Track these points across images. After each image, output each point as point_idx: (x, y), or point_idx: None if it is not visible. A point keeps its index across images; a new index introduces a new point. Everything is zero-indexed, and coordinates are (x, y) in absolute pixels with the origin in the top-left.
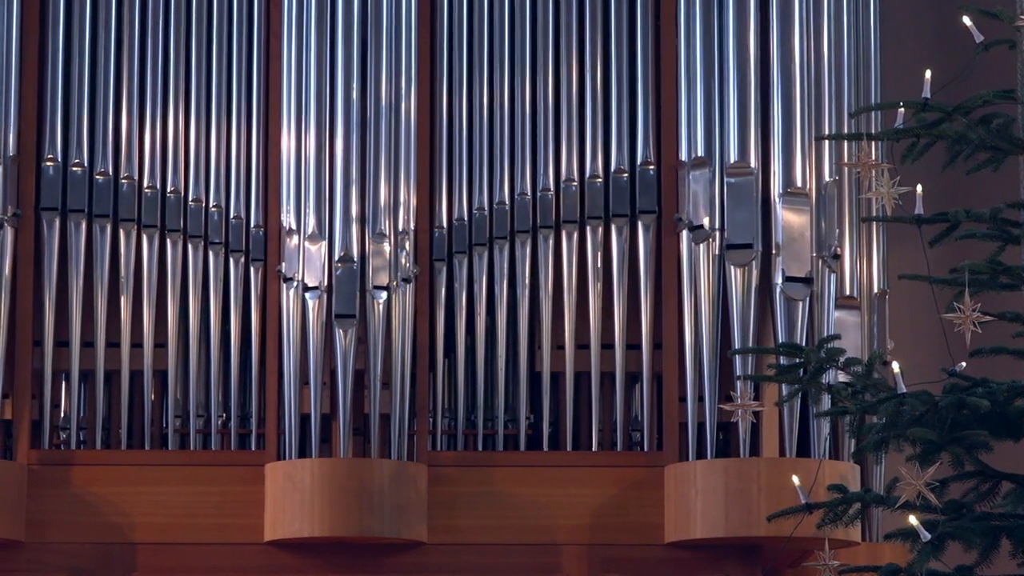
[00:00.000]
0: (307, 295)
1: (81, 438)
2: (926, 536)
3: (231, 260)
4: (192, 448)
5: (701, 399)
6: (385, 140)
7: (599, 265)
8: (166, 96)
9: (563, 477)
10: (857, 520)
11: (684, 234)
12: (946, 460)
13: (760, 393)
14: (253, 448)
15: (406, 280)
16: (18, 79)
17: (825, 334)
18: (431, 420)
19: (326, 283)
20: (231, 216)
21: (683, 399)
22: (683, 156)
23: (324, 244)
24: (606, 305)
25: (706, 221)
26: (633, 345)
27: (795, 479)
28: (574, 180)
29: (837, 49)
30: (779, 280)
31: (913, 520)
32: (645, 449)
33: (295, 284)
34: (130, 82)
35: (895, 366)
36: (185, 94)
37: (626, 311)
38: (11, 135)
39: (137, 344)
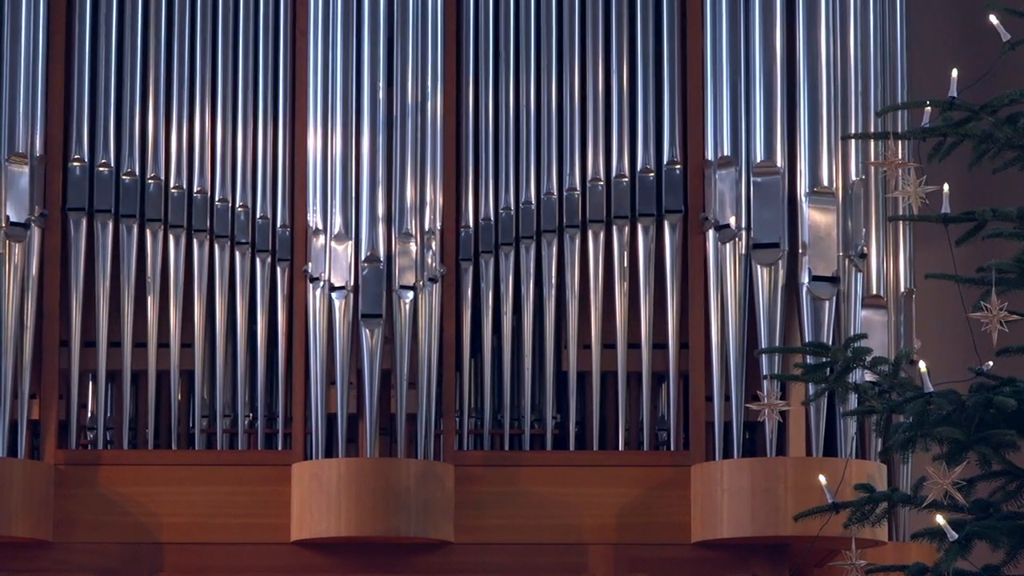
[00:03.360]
0: (333, 295)
1: (108, 438)
2: (953, 536)
3: (258, 260)
4: (219, 448)
5: (728, 398)
6: (411, 139)
7: (625, 264)
8: (192, 96)
9: (590, 477)
10: (884, 519)
11: (710, 233)
12: (973, 459)
13: (787, 392)
14: (280, 448)
15: (432, 280)
16: (44, 79)
17: (852, 333)
18: (458, 420)
19: (352, 283)
20: (257, 216)
21: (710, 398)
22: (709, 155)
23: (350, 244)
24: (632, 304)
25: (732, 220)
26: (659, 344)
27: (822, 478)
28: (600, 179)
29: (864, 48)
30: (805, 279)
31: (940, 519)
32: (672, 448)
33: (321, 284)
34: (156, 82)
35: (922, 365)
36: (211, 93)
37: (652, 310)
38: (38, 135)
39: (164, 344)
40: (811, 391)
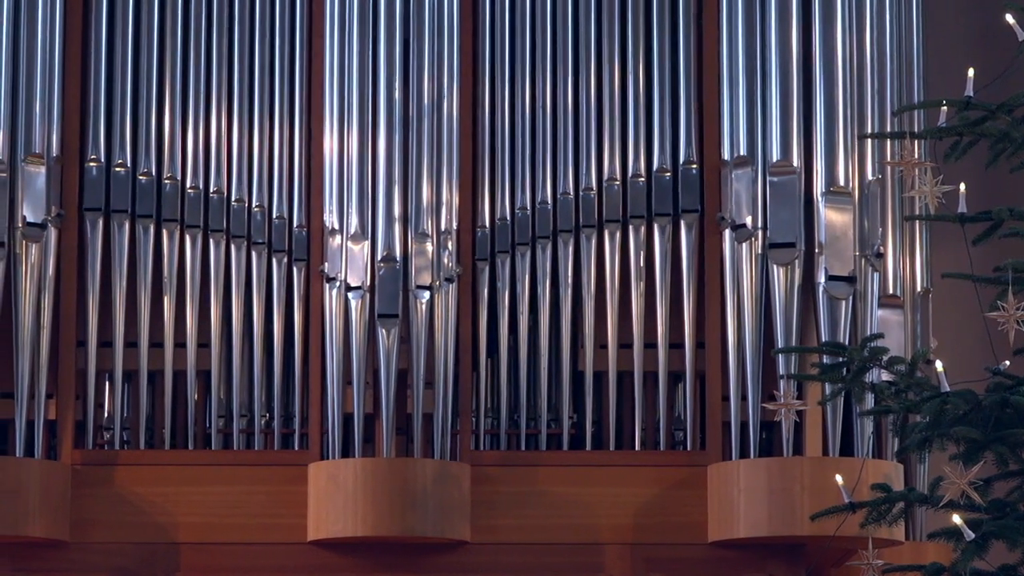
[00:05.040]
0: (350, 295)
1: (125, 438)
2: (970, 535)
3: (274, 260)
4: (235, 448)
5: (744, 398)
6: (427, 139)
7: (642, 264)
8: (209, 96)
9: (606, 476)
10: (901, 519)
11: (727, 233)
12: (990, 459)
13: (803, 392)
14: (296, 448)
15: (449, 280)
16: (61, 80)
17: (868, 333)
18: (474, 420)
19: (369, 283)
20: (274, 216)
21: (726, 398)
22: (726, 155)
23: (367, 244)
24: (649, 304)
25: (749, 220)
26: (676, 344)
27: (838, 478)
28: (616, 179)
29: (880, 47)
30: (822, 279)
31: (957, 519)
32: (688, 448)
33: (338, 284)
34: (173, 82)
35: (938, 365)
36: (228, 94)
37: (669, 310)
38: (54, 136)
39: (180, 344)
40: (828, 391)
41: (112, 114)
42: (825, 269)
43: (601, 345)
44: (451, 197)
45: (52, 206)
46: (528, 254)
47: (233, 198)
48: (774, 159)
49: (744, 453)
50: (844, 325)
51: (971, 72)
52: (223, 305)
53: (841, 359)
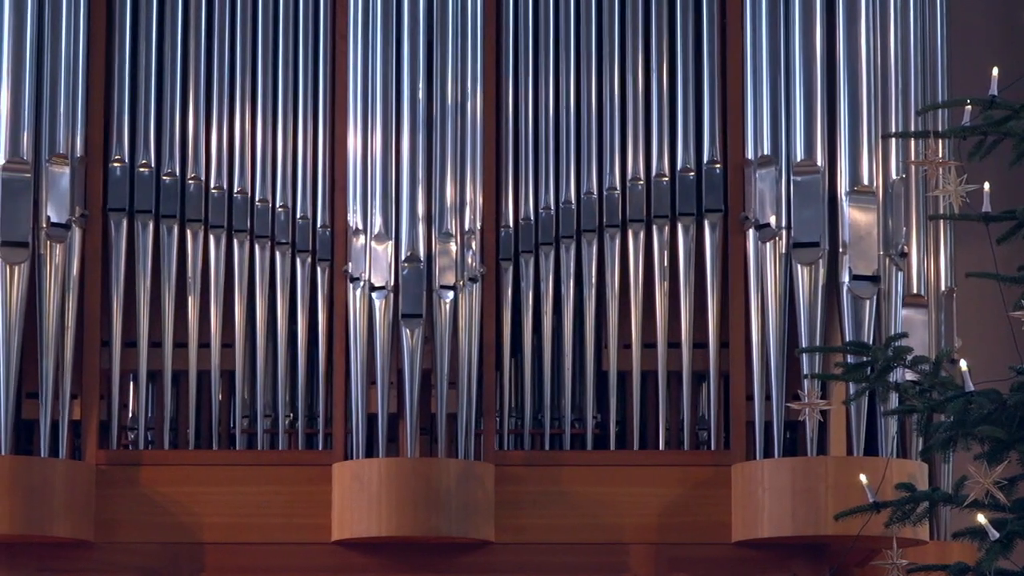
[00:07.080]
0: (374, 295)
1: (149, 438)
2: (994, 535)
3: (298, 260)
4: (259, 448)
5: (768, 398)
6: (451, 139)
7: (665, 264)
8: (232, 96)
9: (630, 476)
10: (925, 519)
11: (751, 233)
12: (1014, 458)
13: (827, 392)
14: (320, 448)
15: (472, 279)
16: (85, 80)
17: (892, 332)
18: (498, 420)
19: (393, 283)
20: (298, 216)
21: (750, 398)
22: (749, 154)
23: (390, 244)
24: (673, 304)
25: (773, 219)
26: (700, 344)
27: (863, 478)
28: (640, 179)
29: (904, 46)
30: (846, 278)
31: (981, 518)
32: (712, 448)
33: (362, 284)
34: (196, 82)
35: (963, 364)
36: (252, 94)
37: (693, 310)
38: (78, 136)
39: (204, 344)
40: (852, 390)
41: (136, 114)
42: (849, 268)
43: (625, 345)
44: (475, 197)
45: (76, 206)
46: (552, 254)
47: (257, 198)
48: (798, 158)
49: (768, 453)
50: (868, 324)
51: (995, 71)
52: (247, 305)
53: (865, 358)
